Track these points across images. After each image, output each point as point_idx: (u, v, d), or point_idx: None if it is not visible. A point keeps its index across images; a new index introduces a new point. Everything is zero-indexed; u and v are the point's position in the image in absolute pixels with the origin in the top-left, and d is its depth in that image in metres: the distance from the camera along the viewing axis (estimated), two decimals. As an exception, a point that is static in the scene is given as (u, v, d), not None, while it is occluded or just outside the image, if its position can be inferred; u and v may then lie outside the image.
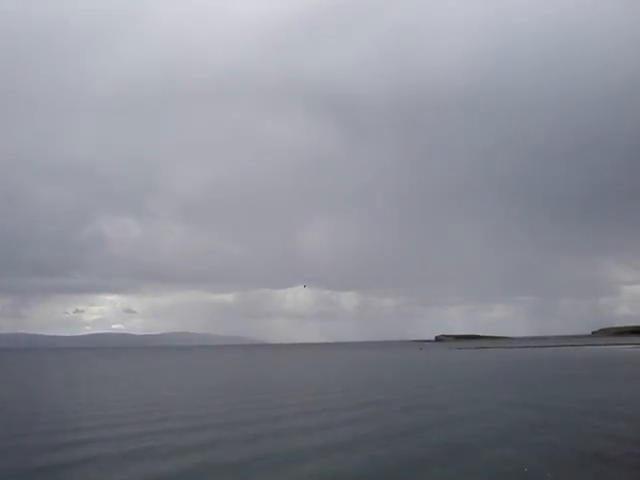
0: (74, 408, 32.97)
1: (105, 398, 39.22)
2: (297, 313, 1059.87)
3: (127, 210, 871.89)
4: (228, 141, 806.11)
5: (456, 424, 23.34)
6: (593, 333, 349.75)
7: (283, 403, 33.23)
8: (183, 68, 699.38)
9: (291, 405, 32.05)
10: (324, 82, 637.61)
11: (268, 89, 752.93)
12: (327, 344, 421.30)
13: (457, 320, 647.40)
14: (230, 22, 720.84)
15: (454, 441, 19.48)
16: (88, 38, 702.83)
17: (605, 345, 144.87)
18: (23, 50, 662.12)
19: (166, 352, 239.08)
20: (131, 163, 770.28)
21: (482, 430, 21.64)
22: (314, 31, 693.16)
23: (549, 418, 24.45)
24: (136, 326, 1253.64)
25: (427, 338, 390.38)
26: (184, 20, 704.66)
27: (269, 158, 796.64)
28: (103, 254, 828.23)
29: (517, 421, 23.90)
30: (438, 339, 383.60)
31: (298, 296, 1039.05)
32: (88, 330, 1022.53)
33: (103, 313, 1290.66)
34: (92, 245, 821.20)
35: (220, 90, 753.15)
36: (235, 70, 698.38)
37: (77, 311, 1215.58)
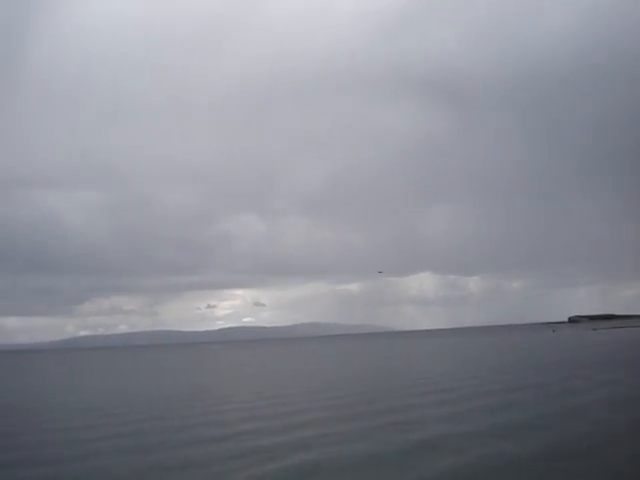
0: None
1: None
2: (423, 299, 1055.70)
3: (250, 208, 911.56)
4: (342, 133, 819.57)
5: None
6: None
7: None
8: (293, 64, 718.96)
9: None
10: (431, 67, 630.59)
11: (377, 79, 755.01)
12: (455, 329, 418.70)
13: (590, 300, 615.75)
14: (334, 13, 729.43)
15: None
16: (195, 42, 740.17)
17: None
18: (139, 56, 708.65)
19: (302, 342, 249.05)
20: (251, 163, 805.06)
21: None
22: (417, 17, 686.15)
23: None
24: (266, 319, 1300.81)
25: (560, 320, 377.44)
26: (290, 16, 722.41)
27: (383, 147, 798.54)
28: (230, 251, 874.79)
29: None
30: (572, 320, 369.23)
31: (423, 282, 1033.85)
32: (220, 324, 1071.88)
33: (234, 307, 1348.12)
34: (220, 243, 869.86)
35: (330, 83, 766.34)
36: (343, 62, 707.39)
37: (209, 306, 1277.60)
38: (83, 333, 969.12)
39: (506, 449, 17.03)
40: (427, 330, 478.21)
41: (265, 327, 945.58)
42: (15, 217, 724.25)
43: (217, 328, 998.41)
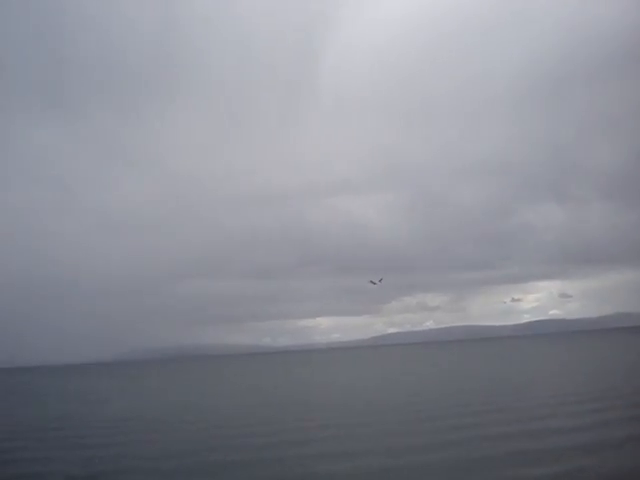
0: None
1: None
2: None
3: (549, 196, 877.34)
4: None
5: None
6: None
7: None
8: (581, 47, 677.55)
9: None
10: None
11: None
12: None
13: None
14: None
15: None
16: (482, 34, 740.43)
17: None
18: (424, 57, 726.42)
19: (615, 335, 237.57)
20: (547, 150, 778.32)
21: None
22: None
23: None
24: (574, 310, 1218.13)
25: None
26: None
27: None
28: (531, 242, 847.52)
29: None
30: None
31: None
32: (527, 318, 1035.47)
33: (539, 300, 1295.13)
34: (520, 234, 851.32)
35: (620, 62, 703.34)
36: (630, 40, 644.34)
37: (513, 300, 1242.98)
38: (391, 330, 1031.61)
39: None
40: None
41: (572, 319, 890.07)
42: (324, 223, 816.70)
43: (524, 322, 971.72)
